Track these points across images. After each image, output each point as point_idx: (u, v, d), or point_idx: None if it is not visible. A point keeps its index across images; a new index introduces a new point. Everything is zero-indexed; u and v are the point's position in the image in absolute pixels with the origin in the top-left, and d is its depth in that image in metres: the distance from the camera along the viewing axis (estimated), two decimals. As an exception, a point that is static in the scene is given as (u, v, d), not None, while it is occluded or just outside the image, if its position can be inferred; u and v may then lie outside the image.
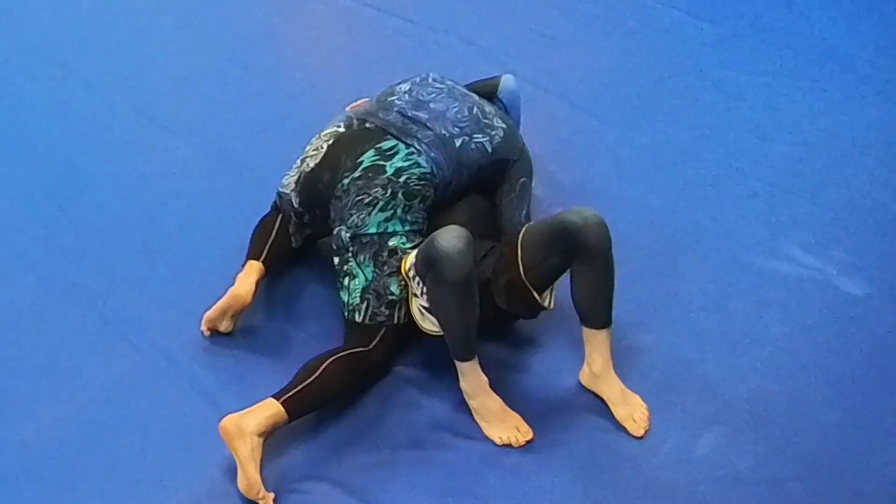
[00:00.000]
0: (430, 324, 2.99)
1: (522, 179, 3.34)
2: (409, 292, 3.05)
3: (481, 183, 3.31)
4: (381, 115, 3.23)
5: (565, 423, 3.01)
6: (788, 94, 4.18)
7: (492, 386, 2.98)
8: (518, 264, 2.93)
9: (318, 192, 3.18)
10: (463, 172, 3.22)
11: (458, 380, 2.99)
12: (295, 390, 2.89)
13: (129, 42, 4.57)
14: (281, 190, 3.30)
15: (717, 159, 3.86)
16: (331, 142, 3.21)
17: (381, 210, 3.07)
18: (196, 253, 3.51)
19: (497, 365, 3.11)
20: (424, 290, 2.90)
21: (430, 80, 3.38)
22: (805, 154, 3.89)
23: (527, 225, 3.07)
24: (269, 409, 2.83)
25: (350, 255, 3.09)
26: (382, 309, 3.06)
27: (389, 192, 3.08)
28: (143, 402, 3.08)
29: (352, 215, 3.08)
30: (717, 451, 2.92)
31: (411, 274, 2.96)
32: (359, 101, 3.57)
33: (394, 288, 3.06)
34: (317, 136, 3.29)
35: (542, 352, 3.21)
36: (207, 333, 3.21)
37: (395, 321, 3.07)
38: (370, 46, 4.50)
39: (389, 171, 3.09)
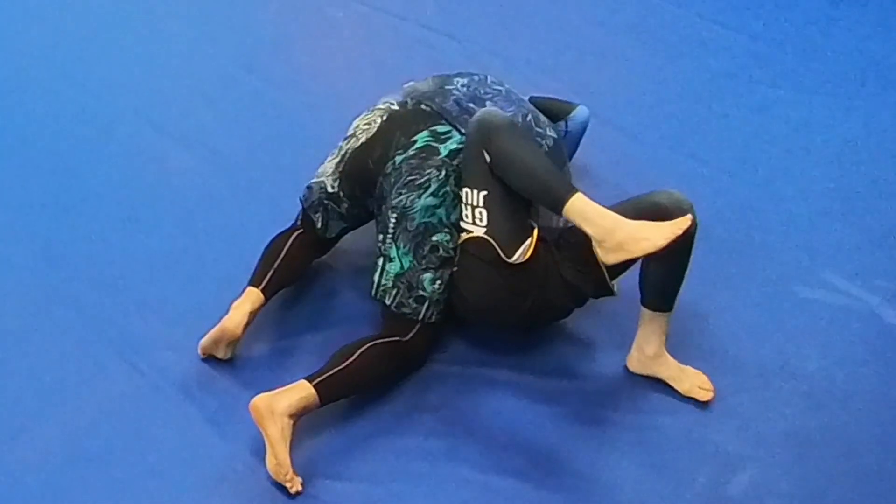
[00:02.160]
0: (508, 250, 2.94)
1: None
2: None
3: None
4: (437, 100, 3.23)
5: (591, 458, 2.96)
6: (828, 111, 4.15)
7: (512, 392, 3.05)
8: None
9: (366, 168, 3.16)
10: None
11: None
12: (328, 374, 2.92)
13: (136, 47, 4.57)
14: (314, 181, 3.28)
15: (752, 180, 3.83)
16: (385, 118, 3.20)
17: (433, 195, 3.06)
18: (201, 269, 3.49)
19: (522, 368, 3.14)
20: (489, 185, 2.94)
21: (488, 81, 3.39)
22: (845, 175, 3.85)
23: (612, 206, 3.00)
24: (302, 391, 2.87)
25: (391, 237, 3.09)
26: (410, 301, 3.07)
27: (443, 174, 3.07)
28: (142, 424, 3.05)
29: (401, 194, 3.07)
30: (750, 492, 2.87)
31: (475, 202, 2.97)
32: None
33: (426, 284, 3.06)
34: (366, 111, 3.29)
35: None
36: (204, 358, 3.19)
37: (420, 317, 3.07)
38: (389, 55, 4.49)
39: (444, 152, 3.09)
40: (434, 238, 3.07)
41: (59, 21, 4.74)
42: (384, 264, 3.11)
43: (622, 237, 2.81)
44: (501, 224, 2.97)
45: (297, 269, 3.32)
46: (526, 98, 3.45)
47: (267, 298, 3.19)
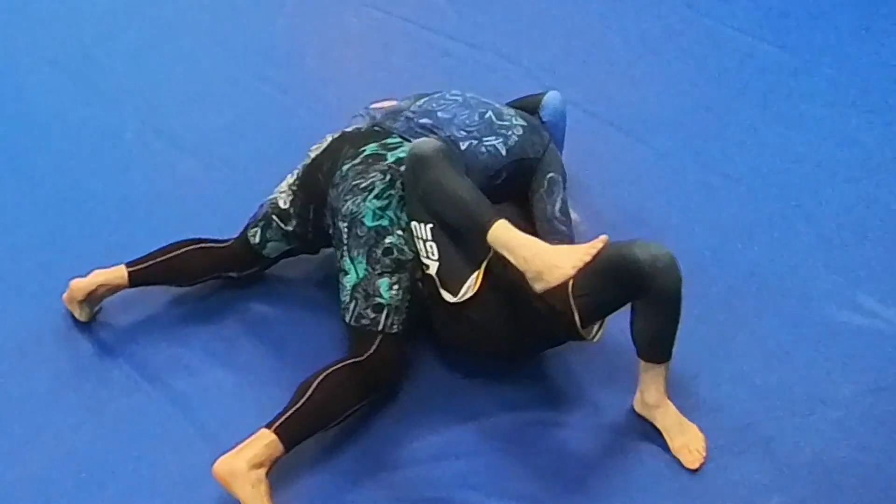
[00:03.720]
0: (455, 286, 2.94)
1: (550, 175, 3.36)
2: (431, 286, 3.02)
3: (507, 189, 3.33)
4: (388, 123, 3.32)
5: (609, 486, 2.93)
6: (864, 129, 4.11)
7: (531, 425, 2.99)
8: (567, 284, 2.82)
9: (317, 182, 3.19)
10: (471, 177, 3.18)
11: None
12: (286, 415, 2.84)
13: (144, 53, 4.57)
14: (267, 199, 3.31)
15: (783, 198, 3.79)
16: (336, 135, 3.29)
17: (377, 197, 3.07)
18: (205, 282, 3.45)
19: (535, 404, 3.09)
20: (430, 229, 2.96)
21: (446, 95, 3.44)
22: (880, 193, 3.82)
23: None
24: (263, 441, 2.80)
25: (345, 248, 3.08)
26: (368, 311, 3.02)
27: (388, 178, 3.10)
28: (140, 441, 3.03)
29: (346, 202, 3.08)
30: (778, 524, 2.83)
31: (423, 236, 2.99)
32: (385, 102, 3.61)
33: (383, 290, 3.02)
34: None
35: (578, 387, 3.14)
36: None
37: (380, 328, 3.01)
38: (406, 64, 4.47)
39: (390, 159, 3.14)
40: (387, 241, 3.05)
41: (65, 25, 4.74)
42: (342, 280, 3.08)
43: (540, 266, 2.77)
44: (451, 257, 2.97)
45: (184, 273, 3.32)
46: (497, 104, 3.47)
47: (132, 283, 3.23)
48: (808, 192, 3.82)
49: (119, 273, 3.24)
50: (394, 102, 3.56)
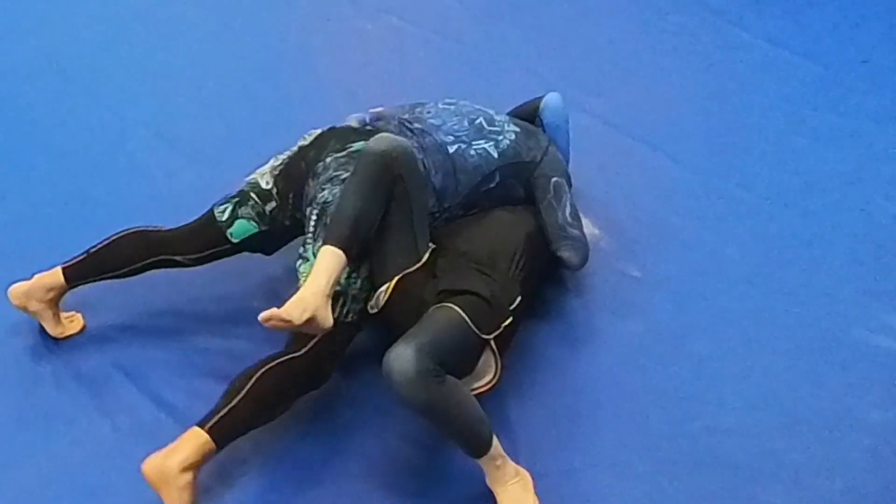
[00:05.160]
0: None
1: (554, 179, 3.39)
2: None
3: (501, 194, 3.34)
4: (379, 124, 3.40)
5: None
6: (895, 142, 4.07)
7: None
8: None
9: (299, 169, 3.21)
10: (461, 180, 3.26)
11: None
12: (220, 414, 2.82)
13: (150, 57, 4.57)
14: (248, 178, 3.29)
15: (811, 213, 3.76)
16: (326, 129, 3.31)
17: None
18: (210, 284, 3.46)
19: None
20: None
21: (439, 104, 3.47)
22: (915, 213, 3.79)
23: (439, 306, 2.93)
24: (194, 440, 2.79)
25: (311, 237, 3.08)
26: None
27: None
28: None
29: (323, 190, 3.09)
30: (804, 556, 2.81)
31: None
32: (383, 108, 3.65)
33: (343, 278, 2.99)
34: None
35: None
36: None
37: (335, 315, 2.94)
38: (421, 71, 4.46)
39: None
40: None
41: (70, 29, 4.75)
42: (299, 268, 3.07)
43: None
44: (374, 266, 3.04)
45: (118, 260, 3.26)
46: (492, 111, 3.47)
47: (67, 280, 3.23)
48: (835, 208, 3.79)
49: (54, 273, 3.23)
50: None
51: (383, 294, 2.99)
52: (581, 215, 3.46)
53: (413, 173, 3.00)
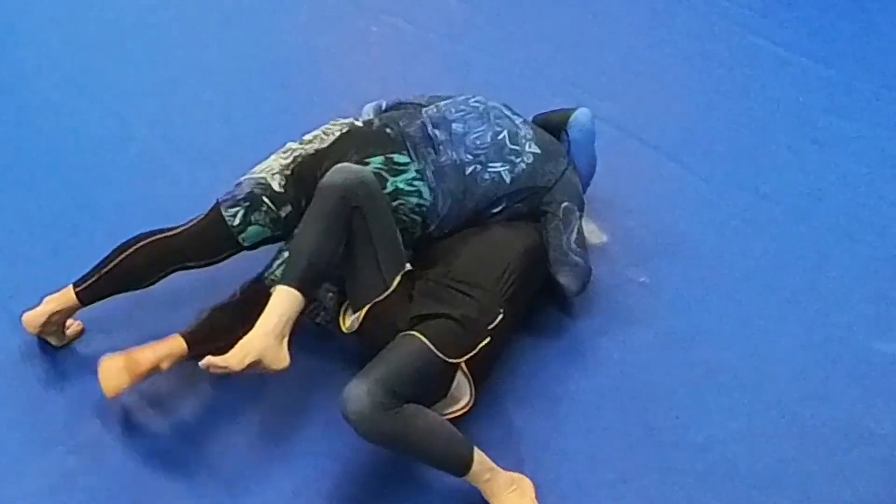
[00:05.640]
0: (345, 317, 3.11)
1: (565, 204, 3.36)
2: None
3: (506, 217, 3.34)
4: (402, 123, 3.32)
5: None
6: (908, 148, 4.08)
7: None
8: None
9: (313, 178, 3.13)
10: (467, 203, 3.26)
11: None
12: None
13: (153, 60, 4.56)
14: (248, 177, 3.23)
15: (823, 221, 3.76)
16: (345, 130, 3.29)
17: None
18: (212, 291, 3.39)
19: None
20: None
21: (470, 101, 3.44)
22: (928, 220, 3.78)
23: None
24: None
25: None
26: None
27: None
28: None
29: None
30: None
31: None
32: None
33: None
34: (332, 121, 3.36)
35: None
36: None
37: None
38: (426, 75, 4.44)
39: (389, 188, 3.16)
40: None
41: (74, 32, 4.74)
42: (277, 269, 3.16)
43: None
44: (348, 293, 3.11)
45: (133, 277, 3.22)
46: (519, 118, 3.45)
47: (83, 302, 3.19)
48: (847, 214, 3.78)
49: (68, 296, 3.18)
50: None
51: (356, 321, 3.02)
52: (589, 220, 3.44)
53: (373, 203, 2.99)
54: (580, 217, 3.38)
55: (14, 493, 2.92)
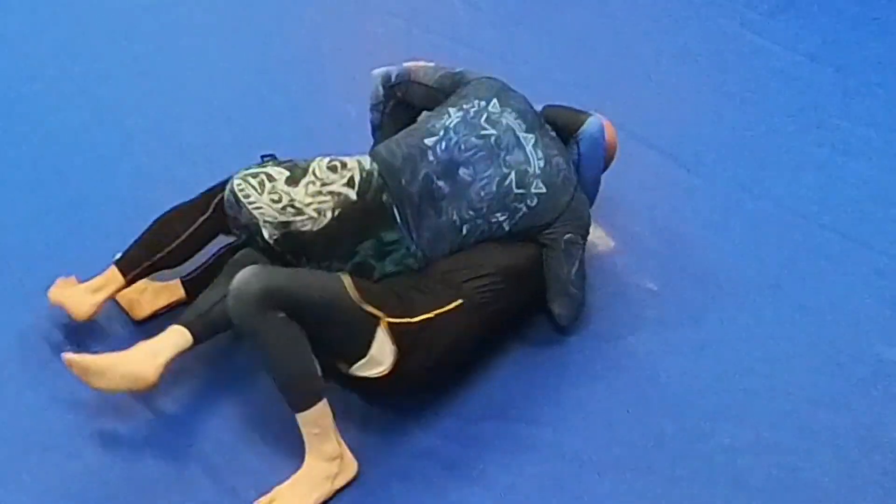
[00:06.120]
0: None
1: (568, 236, 3.29)
2: None
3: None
4: (404, 181, 3.19)
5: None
6: (922, 154, 4.07)
7: None
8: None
9: (302, 254, 3.13)
10: (453, 250, 3.25)
11: None
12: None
13: (154, 61, 4.55)
14: (252, 206, 3.12)
15: (833, 227, 3.75)
16: (336, 214, 3.11)
17: None
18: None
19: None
20: None
21: (484, 117, 3.32)
22: (940, 225, 3.77)
23: None
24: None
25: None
26: None
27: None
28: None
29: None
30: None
31: None
32: (419, 63, 3.58)
33: None
34: (327, 170, 3.19)
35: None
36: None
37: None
38: (432, 77, 4.40)
39: (375, 275, 3.17)
40: None
41: (74, 33, 4.73)
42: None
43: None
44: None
45: (168, 236, 3.30)
46: (531, 118, 3.38)
47: (125, 276, 3.26)
48: (859, 220, 3.78)
49: (112, 276, 3.24)
50: (431, 64, 3.54)
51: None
52: (596, 225, 3.44)
53: (299, 297, 2.89)
54: (583, 246, 3.33)
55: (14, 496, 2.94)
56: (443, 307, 3.02)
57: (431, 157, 3.24)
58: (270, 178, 3.14)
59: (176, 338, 3.03)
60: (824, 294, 3.50)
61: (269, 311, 2.78)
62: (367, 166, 3.20)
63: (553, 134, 3.40)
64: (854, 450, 3.04)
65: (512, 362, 3.26)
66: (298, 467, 2.91)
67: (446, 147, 3.26)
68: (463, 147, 3.26)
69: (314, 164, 3.19)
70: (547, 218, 3.28)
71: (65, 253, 3.61)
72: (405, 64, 3.57)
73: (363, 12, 4.83)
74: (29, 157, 4.05)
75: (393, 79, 3.54)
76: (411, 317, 2.97)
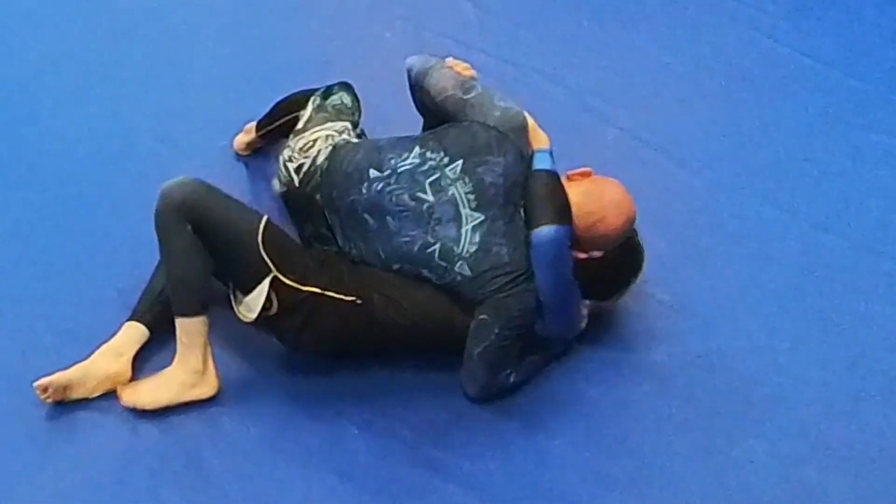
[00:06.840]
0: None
1: (483, 317, 3.10)
2: None
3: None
4: (335, 193, 3.25)
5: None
6: (939, 163, 4.06)
7: None
8: None
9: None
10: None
11: None
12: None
13: (158, 64, 4.53)
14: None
15: (849, 236, 3.74)
16: (284, 191, 3.39)
17: None
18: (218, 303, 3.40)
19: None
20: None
21: (432, 179, 3.18)
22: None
23: None
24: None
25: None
26: None
27: None
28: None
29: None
30: None
31: None
32: (461, 64, 3.51)
33: None
34: (300, 148, 3.40)
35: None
36: None
37: None
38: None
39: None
40: None
41: (77, 35, 4.72)
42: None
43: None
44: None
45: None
46: (504, 190, 3.13)
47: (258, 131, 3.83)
48: (878, 230, 3.77)
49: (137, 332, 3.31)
50: (455, 75, 3.37)
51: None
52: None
53: (212, 218, 3.14)
54: (505, 335, 3.10)
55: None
56: (336, 293, 3.10)
57: (365, 191, 3.20)
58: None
59: (132, 332, 3.27)
60: (840, 305, 3.49)
61: (181, 221, 3.07)
62: (320, 160, 3.29)
63: (522, 221, 3.13)
64: (872, 462, 3.05)
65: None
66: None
67: (381, 190, 3.19)
68: (394, 200, 3.17)
69: (307, 134, 3.42)
70: (471, 297, 3.12)
71: (65, 253, 3.63)
72: (436, 62, 3.42)
73: (371, 16, 4.81)
74: (28, 158, 4.05)
75: (412, 74, 3.45)
76: (302, 284, 3.09)
